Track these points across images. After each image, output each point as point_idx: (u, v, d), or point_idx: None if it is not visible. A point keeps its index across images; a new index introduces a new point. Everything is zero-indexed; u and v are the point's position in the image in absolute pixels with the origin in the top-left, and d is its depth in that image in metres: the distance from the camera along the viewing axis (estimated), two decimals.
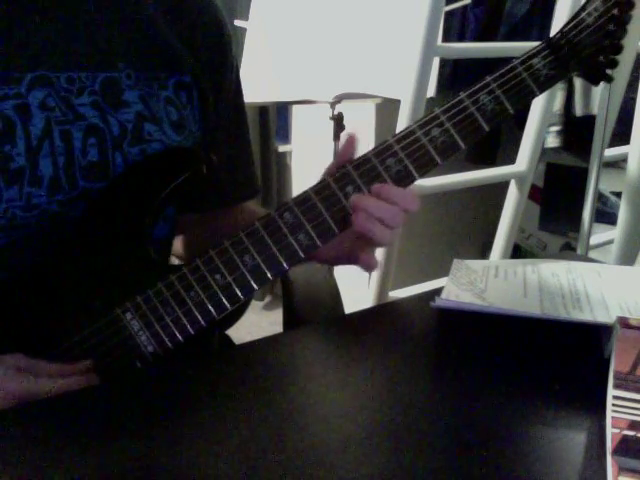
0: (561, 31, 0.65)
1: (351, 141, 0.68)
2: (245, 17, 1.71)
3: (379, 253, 1.63)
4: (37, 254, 0.66)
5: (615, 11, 0.63)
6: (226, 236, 0.66)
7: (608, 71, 0.67)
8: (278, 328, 0.93)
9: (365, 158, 0.65)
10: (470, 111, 0.65)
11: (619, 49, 0.65)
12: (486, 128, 0.65)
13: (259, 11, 1.67)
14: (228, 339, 0.87)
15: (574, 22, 0.65)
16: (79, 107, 0.67)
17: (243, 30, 1.70)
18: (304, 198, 0.65)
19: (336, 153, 1.67)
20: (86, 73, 0.68)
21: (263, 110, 2.56)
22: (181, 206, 0.82)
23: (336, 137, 1.66)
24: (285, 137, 2.72)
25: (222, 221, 0.87)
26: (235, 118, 0.84)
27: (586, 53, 0.65)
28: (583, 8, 0.65)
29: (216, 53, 0.78)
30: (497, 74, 0.65)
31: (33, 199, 0.64)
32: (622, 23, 0.64)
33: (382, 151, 0.65)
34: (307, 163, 2.49)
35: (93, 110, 0.67)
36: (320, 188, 0.65)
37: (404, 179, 0.65)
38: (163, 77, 0.73)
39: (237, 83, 0.84)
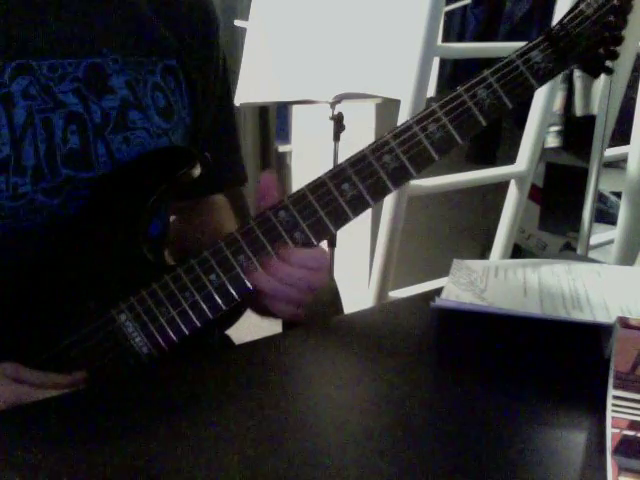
0: (560, 23, 0.64)
1: (269, 183, 0.67)
2: (245, 17, 1.71)
3: (378, 253, 1.63)
4: (29, 251, 0.66)
5: (615, 1, 0.63)
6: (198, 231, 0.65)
7: (608, 63, 0.66)
8: (278, 328, 0.93)
9: (362, 155, 0.65)
10: (467, 106, 0.64)
11: (619, 40, 0.64)
12: (484, 123, 0.65)
13: (259, 11, 1.67)
14: (228, 339, 0.87)
15: (573, 14, 0.64)
16: (60, 95, 0.66)
17: (243, 30, 1.70)
18: (299, 196, 0.65)
19: (336, 153, 1.67)
20: (69, 60, 0.67)
21: (263, 110, 2.56)
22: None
23: (336, 137, 1.65)
24: (285, 137, 2.73)
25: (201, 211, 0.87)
26: (223, 104, 0.84)
27: (585, 45, 0.64)
28: None
29: (201, 37, 0.77)
30: (495, 68, 0.64)
31: (19, 188, 0.64)
32: (622, 14, 0.63)
33: (378, 147, 0.64)
34: (307, 163, 2.49)
35: (74, 97, 0.67)
36: (316, 186, 0.65)
37: (401, 176, 0.65)
38: (151, 62, 0.72)
39: (224, 69, 0.83)
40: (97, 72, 0.68)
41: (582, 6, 0.64)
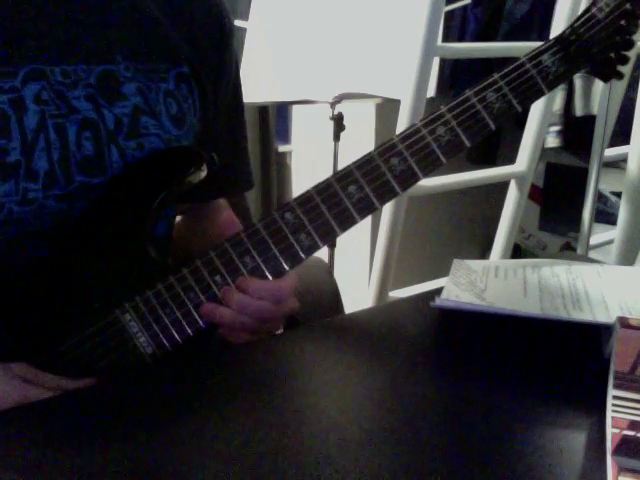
0: (571, 27, 0.64)
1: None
2: (245, 17, 1.71)
3: (378, 253, 1.63)
4: (36, 252, 0.66)
5: (627, 6, 0.62)
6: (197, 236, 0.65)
7: (619, 67, 0.66)
8: None
9: (369, 157, 0.65)
10: (477, 109, 0.64)
11: (630, 45, 0.64)
12: (492, 127, 0.64)
13: (259, 11, 1.67)
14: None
15: (584, 17, 0.64)
16: (73, 100, 0.66)
17: (243, 30, 1.70)
18: (306, 198, 0.65)
19: (336, 153, 1.67)
20: (82, 66, 0.67)
21: (263, 110, 2.55)
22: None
23: (336, 137, 1.65)
24: (285, 137, 2.72)
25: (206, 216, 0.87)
26: (233, 110, 0.84)
27: (597, 49, 0.64)
28: (594, 3, 0.63)
29: (215, 44, 0.77)
30: (505, 71, 0.64)
31: (29, 194, 0.64)
32: (634, 18, 0.63)
33: (386, 150, 0.64)
34: (307, 163, 2.49)
35: (88, 103, 0.67)
36: (322, 188, 0.65)
37: (408, 179, 0.65)
38: (163, 69, 0.72)
39: (236, 76, 0.84)
40: (109, 79, 0.68)
41: (594, 10, 0.63)
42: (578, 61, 0.64)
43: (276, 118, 2.67)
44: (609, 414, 0.49)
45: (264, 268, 0.64)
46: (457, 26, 2.25)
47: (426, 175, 0.65)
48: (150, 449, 0.50)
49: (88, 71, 0.67)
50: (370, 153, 0.65)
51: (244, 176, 0.88)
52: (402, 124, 1.47)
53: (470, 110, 0.64)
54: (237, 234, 0.65)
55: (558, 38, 0.64)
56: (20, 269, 0.65)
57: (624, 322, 0.50)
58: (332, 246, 1.64)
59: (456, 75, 2.23)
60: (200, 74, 0.75)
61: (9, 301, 0.65)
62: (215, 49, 0.78)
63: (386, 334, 0.69)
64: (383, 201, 0.65)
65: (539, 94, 0.65)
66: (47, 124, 0.65)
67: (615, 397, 0.49)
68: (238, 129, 0.86)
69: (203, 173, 0.69)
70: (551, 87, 0.65)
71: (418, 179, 0.65)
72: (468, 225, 2.45)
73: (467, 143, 0.64)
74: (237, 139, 0.86)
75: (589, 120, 1.97)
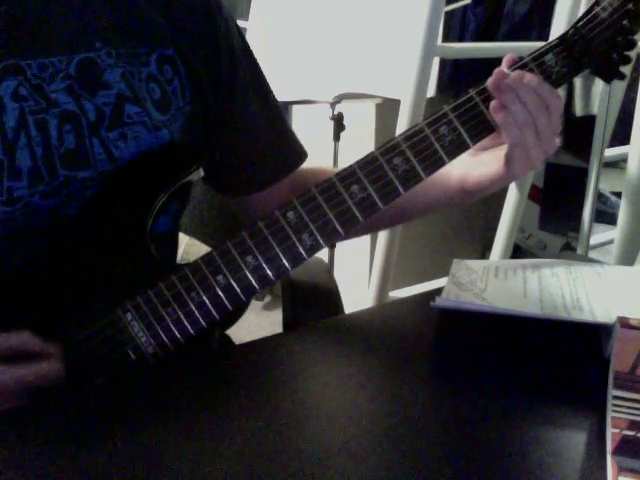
0: (574, 26, 0.64)
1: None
2: (245, 17, 1.71)
3: (378, 253, 1.63)
4: (31, 252, 0.66)
5: (630, 6, 0.62)
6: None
7: (621, 68, 0.66)
8: (278, 328, 0.93)
9: (371, 157, 0.64)
10: (480, 109, 0.64)
11: (633, 45, 0.64)
12: (495, 127, 0.64)
13: (259, 11, 1.67)
14: (228, 339, 0.87)
15: (588, 17, 0.64)
16: (52, 94, 0.65)
17: (243, 30, 1.70)
18: (308, 198, 0.64)
19: (336, 153, 1.67)
20: (60, 57, 0.66)
21: None
22: (234, 189, 0.82)
23: (336, 137, 1.66)
24: None
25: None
26: (254, 87, 0.81)
27: (600, 49, 0.64)
28: (597, 3, 0.63)
29: (202, 22, 0.74)
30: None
31: (14, 192, 0.63)
32: (636, 18, 0.63)
33: (389, 150, 0.64)
34: (307, 163, 2.49)
35: (67, 96, 0.65)
36: (325, 187, 0.64)
37: (411, 179, 0.64)
38: (144, 53, 0.70)
39: (245, 51, 0.79)
40: (90, 67, 0.67)
41: (597, 10, 0.63)
42: (581, 61, 0.64)
43: None
44: (609, 414, 0.49)
45: (266, 268, 0.64)
46: (457, 26, 2.25)
47: (429, 175, 0.65)
48: (150, 449, 0.50)
49: (66, 61, 0.66)
50: (373, 152, 0.64)
51: (293, 149, 0.85)
52: (402, 124, 1.47)
53: (474, 110, 0.64)
54: (240, 233, 0.65)
55: (562, 38, 0.64)
56: (16, 270, 0.65)
57: (624, 322, 0.50)
58: (332, 246, 1.64)
59: (456, 75, 2.23)
60: (188, 54, 0.73)
61: (9, 301, 0.65)
62: (203, 25, 0.74)
63: (386, 334, 0.69)
64: (386, 201, 0.65)
65: None
66: (27, 120, 0.64)
67: (615, 397, 0.49)
68: (269, 106, 0.82)
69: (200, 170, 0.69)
70: (555, 87, 0.64)
71: (421, 179, 0.65)
72: (468, 225, 2.44)
73: (470, 143, 0.64)
74: (274, 115, 0.83)
75: (589, 120, 1.97)
